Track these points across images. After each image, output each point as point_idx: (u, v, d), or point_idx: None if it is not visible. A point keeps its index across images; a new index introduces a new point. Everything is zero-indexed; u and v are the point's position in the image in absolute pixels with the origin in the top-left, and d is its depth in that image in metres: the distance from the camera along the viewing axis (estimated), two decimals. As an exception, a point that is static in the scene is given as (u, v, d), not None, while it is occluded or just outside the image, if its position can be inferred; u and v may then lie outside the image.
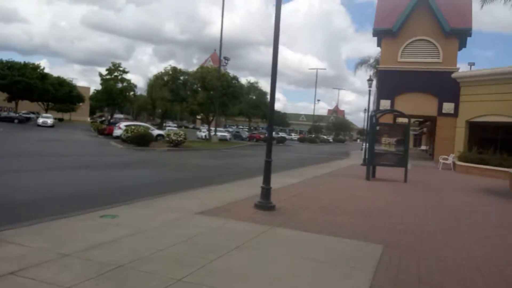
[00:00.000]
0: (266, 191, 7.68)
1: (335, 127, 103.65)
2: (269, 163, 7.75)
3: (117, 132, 32.76)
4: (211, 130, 41.92)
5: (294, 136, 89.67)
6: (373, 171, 14.94)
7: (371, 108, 31.39)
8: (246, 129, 78.50)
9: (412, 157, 35.46)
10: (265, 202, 7.65)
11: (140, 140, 26.06)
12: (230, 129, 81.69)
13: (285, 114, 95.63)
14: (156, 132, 34.45)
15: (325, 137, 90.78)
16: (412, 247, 5.75)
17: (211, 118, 41.57)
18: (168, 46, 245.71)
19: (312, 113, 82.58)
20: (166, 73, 41.74)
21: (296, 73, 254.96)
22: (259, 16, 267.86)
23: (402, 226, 7.07)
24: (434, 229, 7.07)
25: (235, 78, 41.60)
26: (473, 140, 28.14)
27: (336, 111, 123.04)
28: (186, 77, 42.84)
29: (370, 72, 40.84)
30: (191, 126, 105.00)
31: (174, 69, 41.80)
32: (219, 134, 45.46)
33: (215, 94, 38.60)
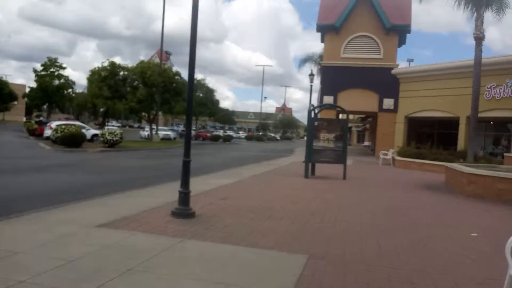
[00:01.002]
0: (184, 196, 6.74)
1: (283, 124, 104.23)
2: (187, 163, 6.80)
3: (48, 132, 30.39)
4: (153, 129, 40.14)
5: (242, 134, 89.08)
6: (313, 169, 14.44)
7: (316, 104, 31.30)
8: (194, 128, 76.86)
9: (355, 152, 35.96)
10: (183, 209, 6.71)
11: (70, 140, 24.09)
12: (177, 128, 79.55)
13: (233, 112, 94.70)
14: (92, 132, 32.39)
15: (272, 134, 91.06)
16: (340, 256, 5.07)
17: (153, 116, 39.77)
18: (113, 42, 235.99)
19: (260, 111, 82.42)
20: (103, 68, 39.17)
21: (245, 71, 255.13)
22: (208, 12, 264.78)
23: (332, 230, 6.42)
24: (367, 231, 6.49)
25: (178, 74, 40.03)
26: (412, 135, 28.88)
27: (283, 109, 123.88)
28: (126, 72, 40.62)
29: (315, 68, 41.02)
30: (136, 125, 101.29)
31: (112, 64, 39.30)
32: (162, 133, 43.76)
33: (156, 91, 36.90)
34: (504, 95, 22.58)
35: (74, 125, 29.56)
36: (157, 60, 73.92)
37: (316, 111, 14.80)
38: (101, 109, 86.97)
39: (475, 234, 6.62)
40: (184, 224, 6.26)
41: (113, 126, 71.29)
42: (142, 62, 39.94)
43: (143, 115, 41.64)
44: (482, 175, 11.19)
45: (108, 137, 25.94)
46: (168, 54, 36.74)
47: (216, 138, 53.32)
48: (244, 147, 44.20)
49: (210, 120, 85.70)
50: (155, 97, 37.54)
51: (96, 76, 39.90)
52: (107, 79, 39.31)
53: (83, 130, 29.56)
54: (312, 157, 13.88)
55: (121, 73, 40.73)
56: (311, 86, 26.06)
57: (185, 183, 6.76)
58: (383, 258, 5.07)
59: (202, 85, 71.06)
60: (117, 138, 26.22)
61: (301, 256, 4.93)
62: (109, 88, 39.99)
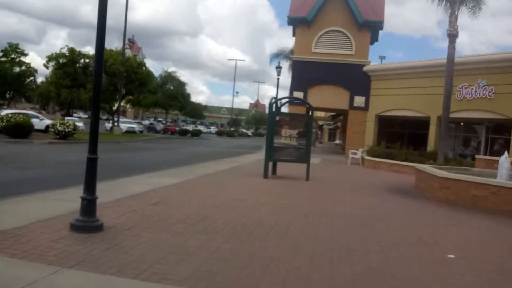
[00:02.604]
0: (87, 204, 5.19)
1: (255, 120, 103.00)
2: (93, 161, 5.28)
3: (-4, 122, 28.10)
4: (115, 120, 38.06)
5: (214, 129, 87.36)
6: (274, 168, 13.11)
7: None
8: (163, 121, 74.59)
9: (325, 151, 35.03)
10: (86, 221, 5.16)
11: (15, 130, 21.95)
12: (147, 121, 76.91)
13: (205, 106, 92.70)
14: (46, 122, 30.18)
15: (244, 130, 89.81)
16: (277, 295, 3.69)
17: (115, 107, 37.69)
18: (84, 31, 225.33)
19: (232, 106, 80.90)
20: (61, 54, 36.75)
21: (221, 66, 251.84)
22: (184, 5, 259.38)
23: (276, 251, 5.04)
24: (321, 252, 5.15)
25: (142, 64, 38.01)
26: (382, 134, 28.06)
27: (256, 104, 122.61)
28: (87, 60, 38.33)
29: (286, 64, 39.88)
30: (105, 117, 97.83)
31: (71, 50, 36.96)
32: (126, 125, 41.68)
33: (119, 81, 34.83)
34: (475, 95, 21.96)
35: (23, 114, 27.35)
36: (129, 50, 71.20)
37: (279, 105, 13.44)
38: (69, 99, 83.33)
39: (452, 256, 5.39)
40: (81, 242, 4.73)
41: (79, 117, 68.14)
42: (104, 49, 37.67)
43: (104, 106, 39.42)
44: (456, 180, 10.12)
45: (60, 128, 23.93)
46: (131, 41, 34.70)
47: (184, 133, 51.54)
48: (212, 142, 42.59)
49: (181, 114, 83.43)
50: (118, 87, 35.49)
51: (54, 63, 37.49)
52: (65, 67, 36.98)
53: (37, 120, 27.59)
54: (273, 155, 12.52)
55: (82, 60, 38.46)
56: (278, 79, 25.08)
57: (89, 187, 5.22)
58: (334, 298, 3.73)
59: (173, 78, 68.80)
60: (69, 129, 24.24)
61: (220, 297, 3.53)
62: (68, 76, 37.70)
